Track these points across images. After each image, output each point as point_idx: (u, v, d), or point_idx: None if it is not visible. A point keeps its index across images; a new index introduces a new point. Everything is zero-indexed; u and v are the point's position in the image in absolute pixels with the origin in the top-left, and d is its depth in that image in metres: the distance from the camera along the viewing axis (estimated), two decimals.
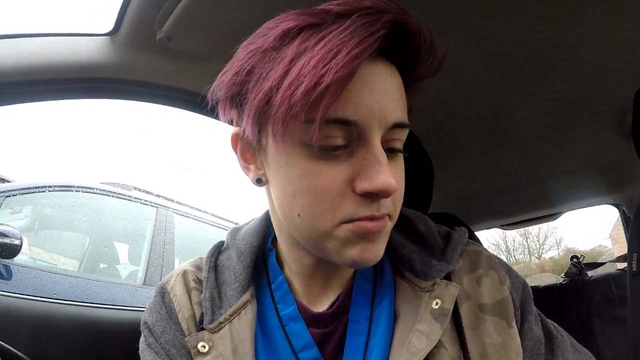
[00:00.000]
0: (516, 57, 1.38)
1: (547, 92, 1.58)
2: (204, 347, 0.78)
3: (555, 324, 0.89)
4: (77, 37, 1.23)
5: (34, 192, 2.83)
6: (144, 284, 3.00)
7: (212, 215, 4.16)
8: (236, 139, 0.79)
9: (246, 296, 0.83)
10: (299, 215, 0.70)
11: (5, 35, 1.16)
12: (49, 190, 2.91)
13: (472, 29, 1.25)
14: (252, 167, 0.79)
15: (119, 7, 1.16)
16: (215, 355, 0.77)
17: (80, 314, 1.70)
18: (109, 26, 1.22)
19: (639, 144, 1.30)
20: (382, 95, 0.67)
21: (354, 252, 0.69)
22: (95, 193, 3.18)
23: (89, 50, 1.22)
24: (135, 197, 3.41)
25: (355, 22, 0.62)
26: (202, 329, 0.81)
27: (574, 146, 1.99)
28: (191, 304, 0.86)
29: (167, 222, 3.44)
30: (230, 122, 0.80)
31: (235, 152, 0.81)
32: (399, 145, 0.72)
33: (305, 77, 0.60)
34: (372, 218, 0.68)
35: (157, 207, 3.47)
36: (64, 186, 3.00)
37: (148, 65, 1.27)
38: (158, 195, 3.65)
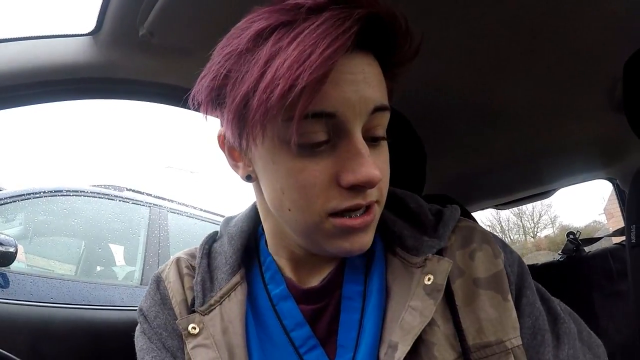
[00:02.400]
0: (505, 35, 1.37)
1: (536, 69, 1.57)
2: (195, 328, 0.80)
3: (562, 305, 0.88)
4: (59, 39, 1.22)
5: (25, 199, 2.81)
6: (141, 284, 3.01)
7: (205, 211, 4.16)
8: (223, 139, 0.80)
9: (236, 278, 0.85)
10: (289, 210, 0.72)
11: None
12: (41, 196, 2.90)
13: (461, 8, 1.24)
14: (240, 164, 0.80)
15: (100, 5, 1.14)
16: (205, 337, 0.79)
17: (78, 316, 1.70)
18: (90, 26, 1.20)
19: (631, 116, 1.30)
20: (361, 85, 0.67)
21: (343, 244, 0.72)
22: (87, 196, 3.17)
23: (71, 51, 1.21)
24: (127, 198, 3.41)
25: (327, 19, 0.62)
26: (194, 311, 0.82)
27: (566, 122, 1.99)
28: (183, 289, 0.88)
29: (161, 221, 3.44)
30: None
31: (223, 151, 0.82)
32: (381, 132, 0.73)
33: (280, 79, 0.60)
34: (358, 207, 0.69)
35: (149, 207, 3.48)
36: (55, 191, 3.00)
37: (132, 62, 1.26)
38: (150, 195, 3.65)
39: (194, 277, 0.87)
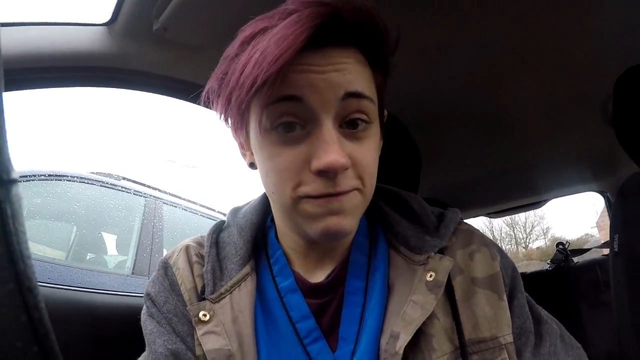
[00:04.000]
0: (503, 47, 1.41)
1: (533, 82, 1.61)
2: (205, 315, 0.82)
3: (547, 312, 0.93)
4: (75, 27, 1.24)
5: (22, 181, 2.80)
6: (132, 274, 3.01)
7: (201, 205, 4.15)
8: None
9: (246, 269, 0.88)
10: (273, 193, 0.79)
11: (4, 23, 1.17)
12: (38, 179, 2.89)
13: (461, 21, 1.28)
14: (247, 153, 0.86)
15: None
16: (215, 324, 0.82)
17: (75, 298, 1.71)
18: (106, 16, 1.23)
19: (619, 131, 1.34)
20: (329, 73, 0.71)
21: (321, 225, 0.75)
22: (84, 183, 3.16)
23: (86, 39, 1.23)
24: (124, 187, 3.41)
25: (290, 21, 0.68)
26: (204, 299, 0.85)
27: (560, 134, 2.02)
28: (193, 277, 0.90)
29: (156, 212, 3.45)
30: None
31: (236, 141, 0.89)
32: (362, 116, 0.75)
33: (247, 77, 0.68)
34: (329, 195, 0.73)
35: (145, 197, 3.48)
36: (52, 175, 2.98)
37: (144, 55, 1.29)
38: (147, 186, 3.65)
39: (203, 265, 0.90)
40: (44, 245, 3.02)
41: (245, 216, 0.96)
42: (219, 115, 0.81)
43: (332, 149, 0.69)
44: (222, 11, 1.14)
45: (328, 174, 0.70)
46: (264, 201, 0.98)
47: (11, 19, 1.18)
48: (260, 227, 0.96)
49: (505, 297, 0.84)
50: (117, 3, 1.18)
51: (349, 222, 0.76)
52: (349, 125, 0.74)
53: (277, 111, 0.72)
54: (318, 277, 0.88)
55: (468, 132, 1.96)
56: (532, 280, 2.58)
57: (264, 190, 0.96)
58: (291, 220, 0.81)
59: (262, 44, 0.68)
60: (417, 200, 0.96)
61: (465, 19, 1.27)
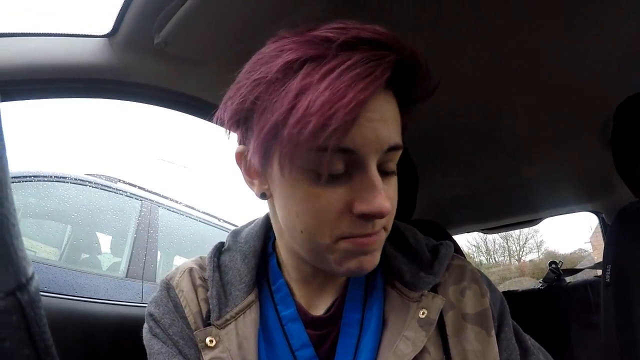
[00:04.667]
0: (502, 67, 1.42)
1: (531, 101, 1.62)
2: (212, 341, 0.83)
3: (532, 340, 0.95)
4: (76, 38, 1.24)
5: (19, 182, 2.81)
6: (126, 277, 3.01)
7: (196, 209, 4.14)
8: (241, 156, 0.83)
9: (251, 297, 0.88)
10: (301, 232, 0.76)
11: (4, 33, 1.17)
12: (34, 180, 2.90)
13: (459, 37, 1.29)
14: (256, 182, 0.83)
15: (118, 9, 1.17)
16: (222, 350, 0.82)
17: (72, 307, 1.71)
18: (107, 28, 1.23)
19: (618, 159, 1.35)
20: (379, 124, 0.70)
21: (352, 264, 0.76)
22: (80, 184, 3.17)
23: (87, 51, 1.24)
24: (119, 190, 3.42)
25: (359, 60, 0.65)
26: (209, 324, 0.85)
27: (557, 154, 2.04)
28: (198, 300, 0.90)
29: (151, 215, 3.46)
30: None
31: (240, 168, 0.85)
32: (392, 167, 0.77)
33: (312, 116, 0.62)
34: (366, 236, 0.73)
35: (141, 200, 3.49)
36: (49, 176, 3.00)
37: (145, 67, 1.29)
38: (143, 189, 3.66)
39: (206, 289, 0.90)
40: (38, 241, 3.03)
41: (247, 241, 0.95)
42: (243, 141, 0.80)
43: (380, 194, 0.70)
44: (224, 26, 1.14)
45: (373, 217, 0.71)
46: (265, 226, 0.98)
47: (11, 29, 1.18)
48: (262, 253, 0.96)
49: (493, 333, 0.86)
50: (118, 15, 1.18)
51: (377, 259, 0.79)
52: (383, 172, 0.75)
53: (328, 159, 0.68)
54: (318, 308, 0.90)
55: (464, 149, 1.97)
56: (524, 299, 2.59)
57: (266, 213, 0.97)
58: (318, 259, 0.79)
59: (330, 77, 0.63)
60: (413, 234, 0.98)
61: (464, 36, 1.28)
